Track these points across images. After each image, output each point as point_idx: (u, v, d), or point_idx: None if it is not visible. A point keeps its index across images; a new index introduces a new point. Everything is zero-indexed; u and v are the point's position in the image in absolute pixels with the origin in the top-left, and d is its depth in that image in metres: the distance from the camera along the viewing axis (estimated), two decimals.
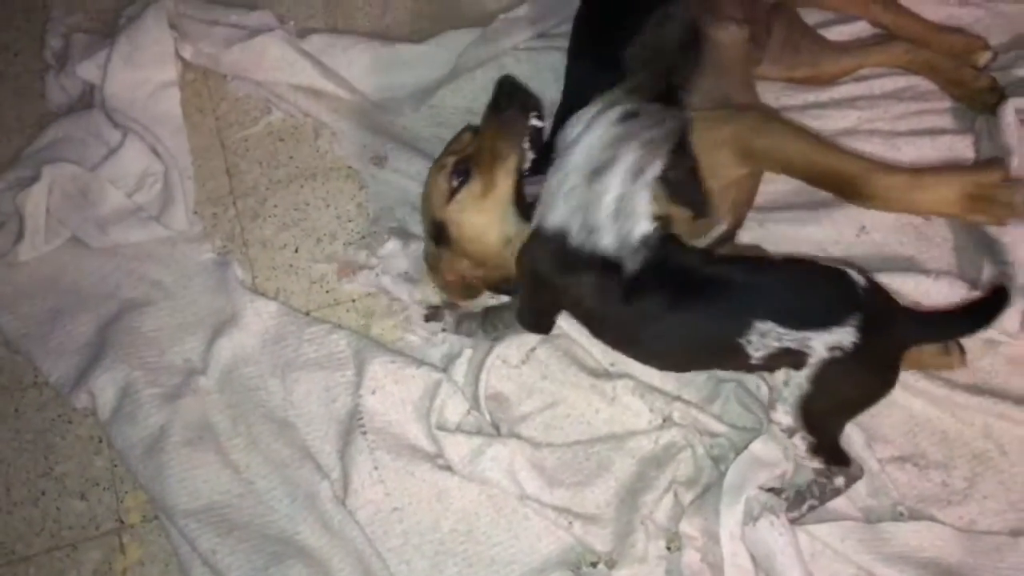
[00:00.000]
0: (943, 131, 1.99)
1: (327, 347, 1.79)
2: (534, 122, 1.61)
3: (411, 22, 2.24)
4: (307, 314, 1.85)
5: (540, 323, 1.63)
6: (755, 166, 1.65)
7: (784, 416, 1.43)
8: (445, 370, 1.75)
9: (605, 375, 1.77)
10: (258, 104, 2.12)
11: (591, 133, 1.43)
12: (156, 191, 1.97)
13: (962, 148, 1.97)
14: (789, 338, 1.33)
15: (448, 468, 1.66)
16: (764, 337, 1.34)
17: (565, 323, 1.78)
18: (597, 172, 1.39)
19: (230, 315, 1.82)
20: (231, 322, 1.81)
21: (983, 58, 2.07)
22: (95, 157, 1.97)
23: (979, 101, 2.01)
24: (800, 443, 1.45)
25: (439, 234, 1.63)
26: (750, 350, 1.35)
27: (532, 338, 1.78)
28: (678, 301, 1.40)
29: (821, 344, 1.33)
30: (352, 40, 2.14)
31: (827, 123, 2.03)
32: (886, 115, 2.05)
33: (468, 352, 1.77)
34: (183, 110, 2.08)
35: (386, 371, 1.73)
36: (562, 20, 2.16)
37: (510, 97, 1.64)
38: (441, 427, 1.69)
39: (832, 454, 1.47)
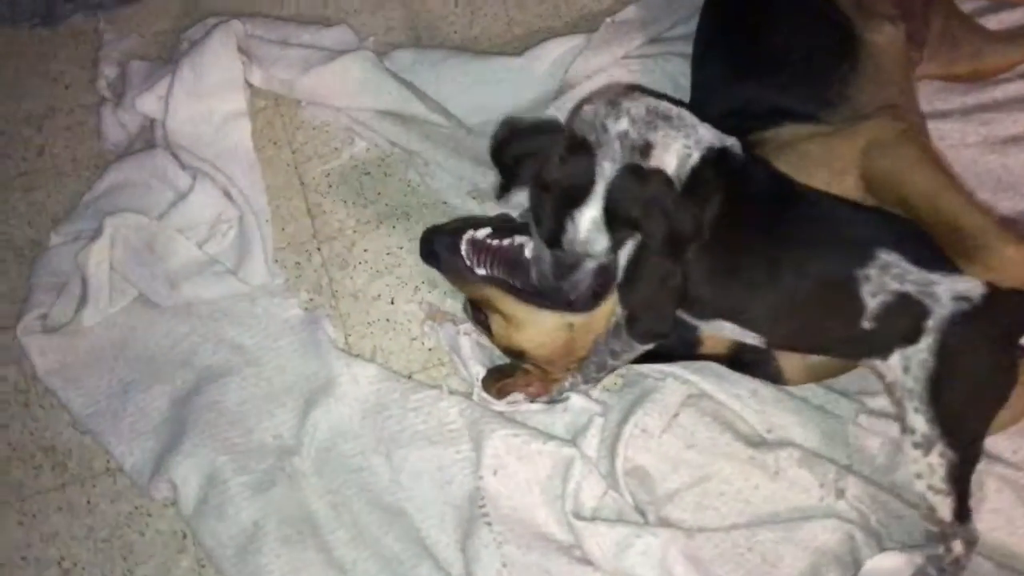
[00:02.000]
0: None
1: (436, 417, 1.55)
2: (477, 234, 1.51)
3: (504, 31, 1.99)
4: (409, 377, 1.61)
5: (659, 318, 1.36)
6: (871, 192, 1.36)
7: (917, 417, 1.24)
8: (575, 443, 1.49)
9: (763, 444, 1.51)
10: (338, 133, 1.88)
11: None
12: (231, 239, 1.74)
13: None
14: (912, 279, 1.22)
15: (588, 562, 1.42)
16: (885, 273, 1.22)
17: (708, 383, 1.52)
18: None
19: (324, 382, 1.59)
20: (325, 390, 1.58)
21: None
22: (161, 204, 1.74)
23: None
24: (939, 466, 1.25)
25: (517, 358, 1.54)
26: (865, 293, 1.22)
27: (674, 402, 1.53)
28: (815, 210, 1.29)
29: (947, 292, 1.21)
30: (440, 55, 1.89)
31: (995, 128, 1.78)
32: None
33: (599, 420, 1.52)
34: (255, 143, 1.84)
35: (508, 447, 1.48)
36: (679, 21, 1.91)
37: (429, 253, 1.56)
38: (577, 514, 1.44)
39: (965, 485, 1.27)
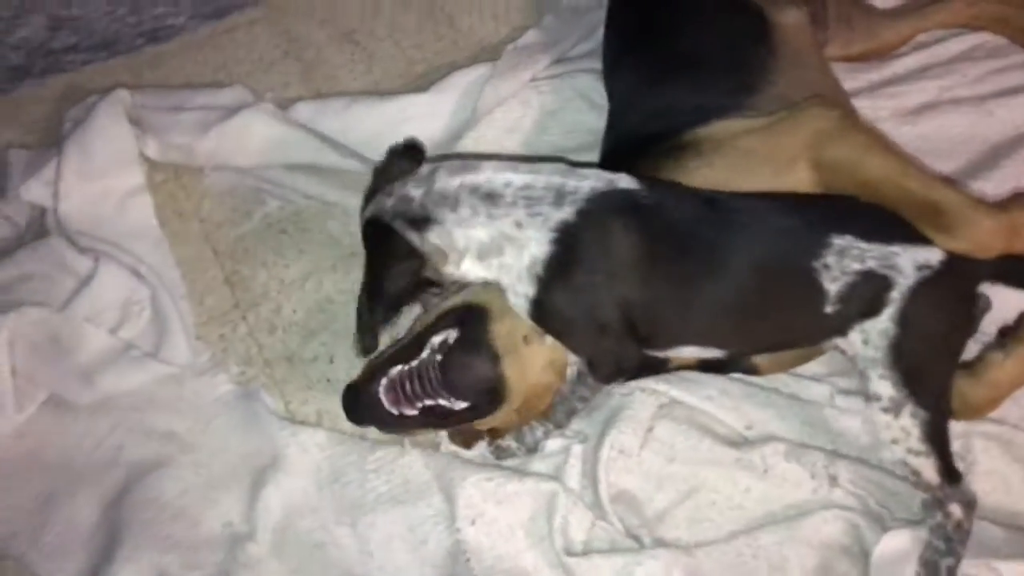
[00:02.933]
0: None
1: (400, 474, 1.42)
2: (391, 374, 1.36)
3: (405, 71, 1.93)
4: (363, 438, 1.49)
5: (622, 351, 1.28)
6: (827, 182, 1.31)
7: (881, 383, 1.21)
8: (554, 477, 1.39)
9: (745, 443, 1.44)
10: (247, 196, 1.76)
11: None
12: (145, 321, 1.59)
13: None
14: (872, 255, 1.18)
15: None
16: (843, 257, 1.18)
17: (677, 390, 1.45)
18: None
19: (270, 457, 1.45)
20: (273, 466, 1.44)
21: None
22: (63, 293, 1.58)
23: None
24: (912, 426, 1.21)
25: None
26: (826, 281, 1.18)
27: (646, 416, 1.44)
28: (745, 217, 1.23)
29: (909, 262, 1.18)
30: (343, 103, 1.81)
31: (905, 100, 1.81)
32: (965, 79, 1.84)
33: (577, 449, 1.43)
34: (159, 218, 1.71)
35: (483, 493, 1.37)
36: (580, 39, 1.88)
37: (358, 419, 1.40)
38: (569, 551, 1.33)
39: (944, 443, 1.24)
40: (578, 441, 1.43)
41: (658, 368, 1.46)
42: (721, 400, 1.47)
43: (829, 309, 1.21)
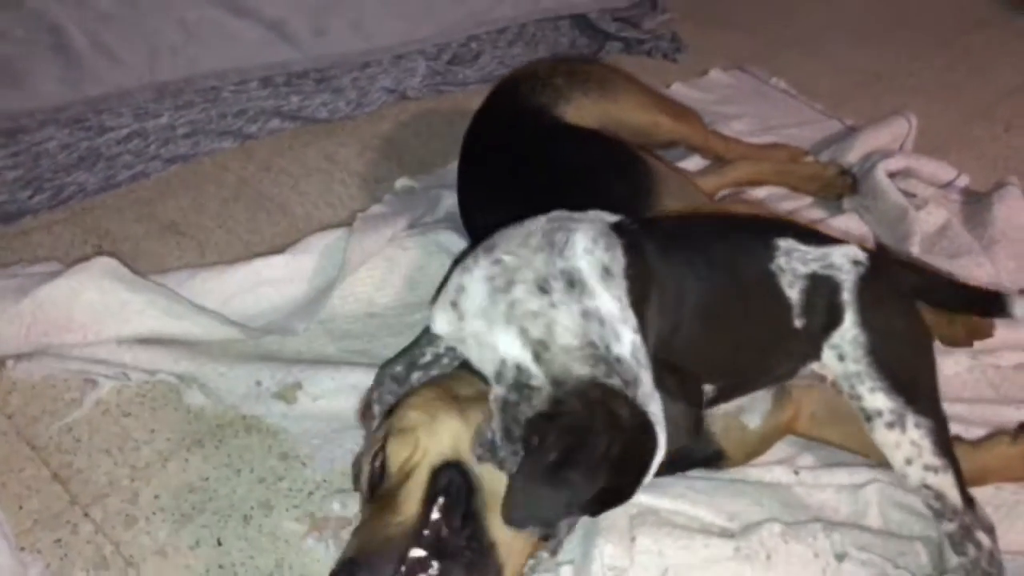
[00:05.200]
0: (822, 220, 1.97)
1: None
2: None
3: (243, 253, 1.73)
4: None
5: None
6: None
7: (875, 396, 1.15)
8: None
9: (739, 532, 1.27)
10: (68, 384, 1.42)
11: None
12: None
13: (857, 224, 1.96)
14: (812, 257, 1.17)
15: None
16: (791, 259, 1.16)
17: (643, 497, 1.28)
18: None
19: None
20: None
21: (808, 160, 2.16)
22: None
23: (835, 187, 2.09)
24: (920, 438, 1.15)
25: None
26: (784, 285, 1.15)
27: (623, 525, 1.25)
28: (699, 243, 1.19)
29: (842, 258, 1.18)
30: (187, 273, 1.58)
31: None
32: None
33: (566, 570, 1.18)
34: None
35: None
36: (427, 211, 1.85)
37: None
38: None
39: (955, 457, 1.18)
40: (567, 561, 1.18)
41: None
42: (694, 497, 1.33)
43: (798, 323, 1.16)
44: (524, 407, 1.00)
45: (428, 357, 1.19)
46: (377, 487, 1.09)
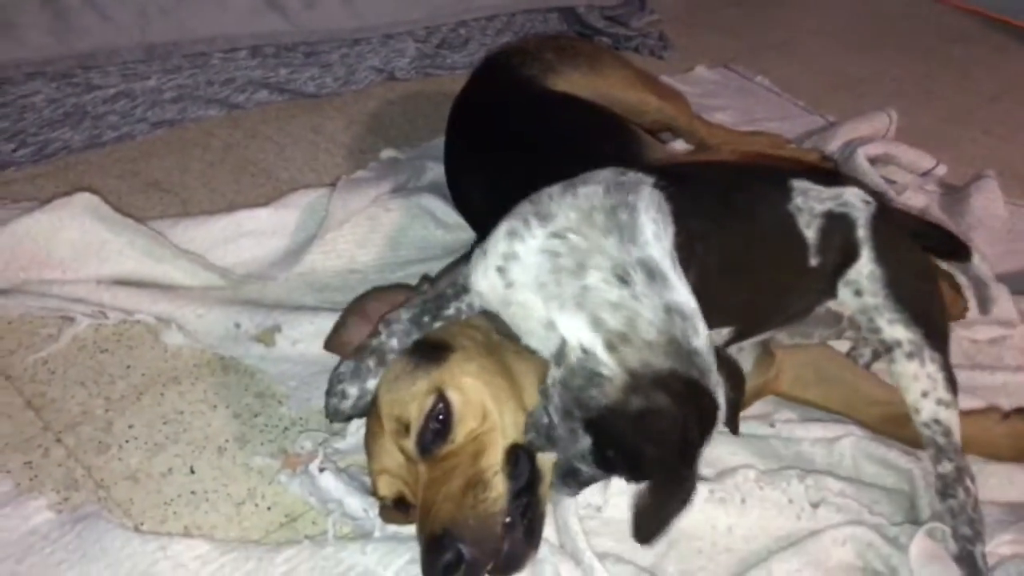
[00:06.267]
0: None
1: (324, 570, 1.06)
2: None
3: (228, 209, 1.73)
4: (256, 543, 1.10)
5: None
6: None
7: (895, 327, 1.17)
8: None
9: (714, 476, 1.27)
10: (48, 319, 1.41)
11: None
12: None
13: None
14: (827, 196, 1.19)
15: None
16: (807, 198, 1.18)
17: None
18: None
19: None
20: None
21: (790, 147, 2.19)
22: None
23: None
24: (935, 372, 1.16)
25: None
26: (802, 225, 1.17)
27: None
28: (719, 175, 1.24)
29: (855, 197, 1.21)
30: (170, 221, 1.58)
31: None
32: None
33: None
34: None
35: None
36: (412, 177, 1.85)
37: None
38: None
39: (956, 387, 1.19)
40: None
41: None
42: None
43: (813, 262, 1.17)
44: (593, 392, 0.98)
45: (452, 311, 1.12)
46: (430, 444, 1.05)
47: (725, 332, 1.17)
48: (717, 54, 2.80)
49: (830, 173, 1.28)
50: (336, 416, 1.14)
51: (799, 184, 1.20)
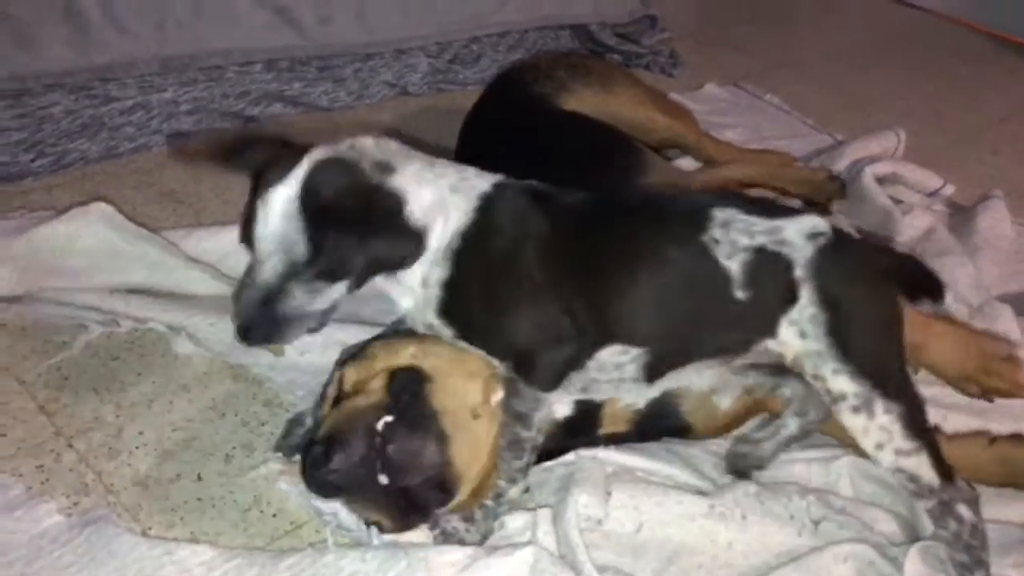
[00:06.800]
0: None
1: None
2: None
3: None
4: (261, 550, 1.12)
5: (556, 339, 1.12)
6: None
7: (839, 378, 1.10)
8: (531, 542, 1.13)
9: (714, 491, 1.28)
10: (59, 328, 1.44)
11: None
12: None
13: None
14: (759, 230, 1.12)
15: None
16: (729, 230, 1.11)
17: (621, 457, 1.30)
18: None
19: None
20: None
21: (798, 166, 2.21)
22: None
23: (824, 191, 2.11)
24: (890, 423, 1.10)
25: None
26: (721, 256, 1.11)
27: (599, 478, 1.25)
28: (634, 201, 1.22)
29: (797, 232, 1.12)
30: (182, 232, 1.60)
31: None
32: None
33: (545, 513, 1.19)
34: None
35: (454, 569, 1.06)
36: None
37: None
38: None
39: (931, 436, 1.13)
40: (548, 505, 1.20)
41: (591, 432, 1.31)
42: (669, 459, 1.33)
43: (740, 294, 1.11)
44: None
45: None
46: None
47: (638, 353, 1.15)
48: (727, 72, 2.82)
49: (770, 205, 1.24)
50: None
51: (721, 214, 1.13)
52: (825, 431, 1.40)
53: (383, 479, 1.08)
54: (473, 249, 1.12)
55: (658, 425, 1.35)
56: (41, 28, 1.74)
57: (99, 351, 1.41)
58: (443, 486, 1.12)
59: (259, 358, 1.42)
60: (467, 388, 1.16)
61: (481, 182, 1.18)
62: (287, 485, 1.22)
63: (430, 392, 1.14)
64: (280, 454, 1.26)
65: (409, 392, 1.14)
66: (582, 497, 1.21)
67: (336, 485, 1.08)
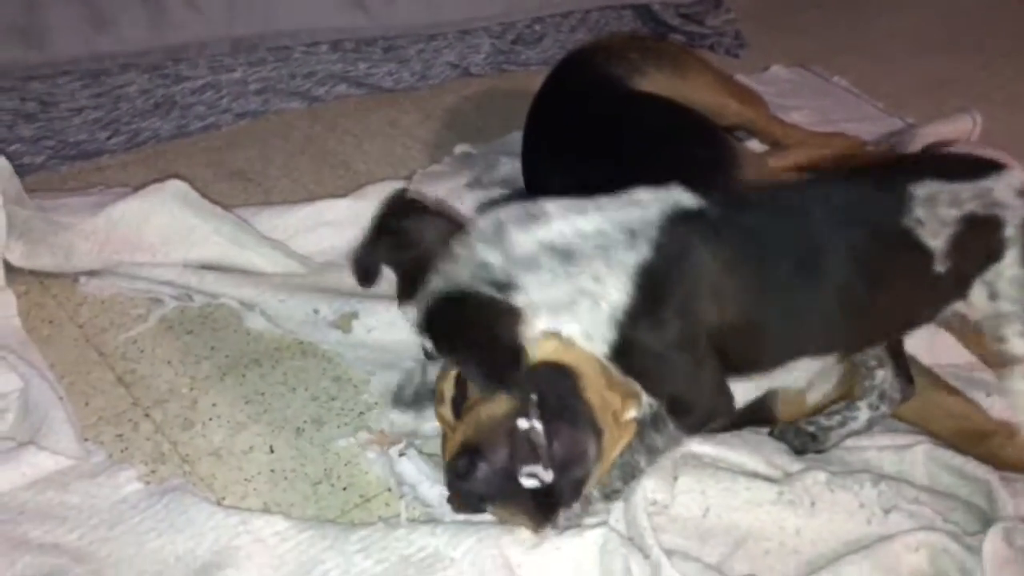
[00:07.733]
0: None
1: (395, 551, 1.09)
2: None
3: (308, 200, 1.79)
4: (332, 521, 1.14)
5: (717, 387, 1.08)
6: None
7: (1018, 339, 1.05)
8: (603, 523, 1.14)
9: (783, 479, 1.27)
10: (138, 300, 1.47)
11: None
12: (10, 423, 1.20)
13: None
14: (968, 194, 1.03)
15: None
16: (934, 205, 1.03)
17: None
18: None
19: (211, 554, 1.07)
20: (216, 563, 1.05)
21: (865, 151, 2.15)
22: None
23: None
24: None
25: None
26: (927, 236, 1.03)
27: (667, 464, 1.24)
28: (813, 202, 1.08)
29: (1006, 188, 1.04)
30: (252, 211, 1.63)
31: None
32: None
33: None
34: (24, 327, 1.37)
35: (522, 548, 1.08)
36: (484, 170, 1.88)
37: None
38: None
39: None
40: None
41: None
42: (739, 445, 1.31)
43: (940, 268, 1.05)
44: None
45: None
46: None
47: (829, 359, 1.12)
48: (793, 54, 2.76)
49: (965, 162, 1.14)
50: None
51: (923, 189, 1.04)
52: (906, 417, 1.37)
53: (547, 476, 1.03)
54: (641, 318, 1.03)
55: (750, 419, 1.33)
56: (121, 12, 1.78)
57: (174, 325, 1.44)
58: (583, 479, 1.07)
59: (327, 335, 1.44)
60: (608, 394, 1.10)
61: (635, 254, 1.03)
62: (374, 454, 1.23)
63: (583, 386, 1.08)
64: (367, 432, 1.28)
65: (562, 385, 1.07)
66: (649, 482, 1.20)
67: (481, 495, 1.04)
